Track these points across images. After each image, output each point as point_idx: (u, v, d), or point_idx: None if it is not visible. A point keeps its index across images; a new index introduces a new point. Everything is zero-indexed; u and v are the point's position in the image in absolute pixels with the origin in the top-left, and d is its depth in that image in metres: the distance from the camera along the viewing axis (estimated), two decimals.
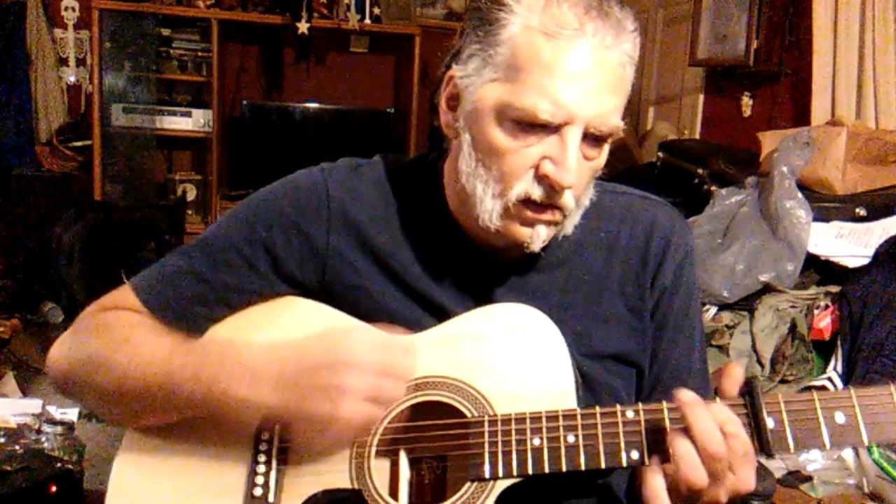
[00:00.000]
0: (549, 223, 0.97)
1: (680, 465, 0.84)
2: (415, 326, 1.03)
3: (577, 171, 0.93)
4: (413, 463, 0.98)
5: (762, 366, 2.33)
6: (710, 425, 0.83)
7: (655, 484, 0.86)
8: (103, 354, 1.01)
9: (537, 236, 0.97)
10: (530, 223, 0.96)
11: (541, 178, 0.93)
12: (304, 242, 1.06)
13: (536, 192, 0.93)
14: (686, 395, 0.86)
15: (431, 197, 1.08)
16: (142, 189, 4.53)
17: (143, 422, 1.04)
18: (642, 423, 0.89)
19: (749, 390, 0.87)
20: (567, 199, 0.94)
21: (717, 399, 0.88)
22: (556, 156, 0.92)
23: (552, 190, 0.93)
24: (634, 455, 0.88)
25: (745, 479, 0.85)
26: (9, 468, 1.98)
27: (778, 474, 2.00)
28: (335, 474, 0.97)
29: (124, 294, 1.08)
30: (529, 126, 0.91)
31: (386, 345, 0.92)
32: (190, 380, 0.95)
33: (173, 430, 1.02)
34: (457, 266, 1.06)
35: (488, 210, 0.95)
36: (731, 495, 0.85)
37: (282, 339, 1.01)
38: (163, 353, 0.98)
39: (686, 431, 0.84)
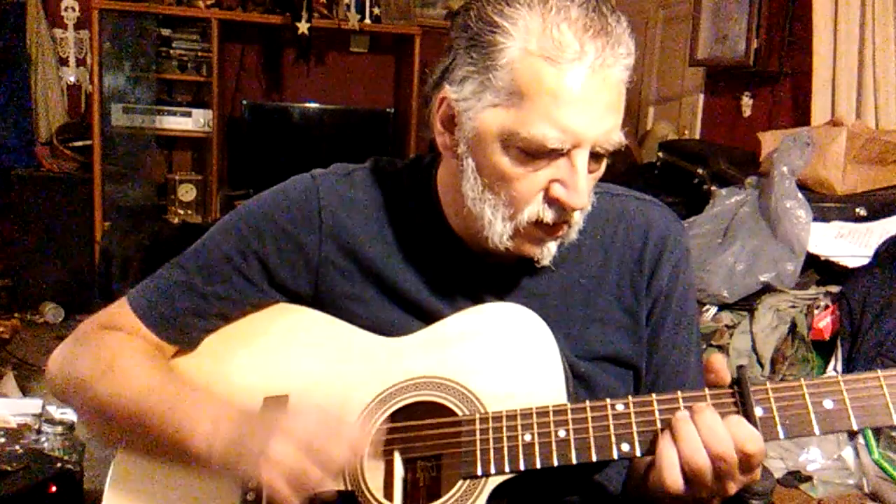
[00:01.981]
0: (556, 237, 0.98)
1: (685, 464, 0.85)
2: (407, 332, 1.03)
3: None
4: (407, 463, 0.99)
5: (762, 366, 2.33)
6: (724, 440, 0.84)
7: (667, 451, 0.86)
8: (88, 381, 1.02)
9: (548, 252, 0.99)
10: (539, 241, 0.97)
11: (551, 202, 0.93)
12: (297, 252, 1.06)
13: (548, 215, 0.94)
14: (697, 407, 0.87)
15: (425, 202, 1.08)
16: (142, 189, 4.53)
17: (126, 449, 1.05)
18: (632, 415, 0.90)
19: (738, 380, 0.88)
20: (577, 216, 0.96)
21: (707, 390, 0.89)
22: (567, 179, 0.92)
23: (563, 210, 0.94)
24: (625, 447, 0.89)
25: (754, 477, 0.87)
26: (9, 468, 1.97)
27: (778, 474, 2.00)
28: None
29: (121, 308, 1.08)
30: (537, 153, 0.91)
31: (329, 430, 0.88)
32: (159, 422, 0.95)
33: None
34: (451, 271, 1.06)
35: (499, 233, 0.96)
36: (742, 486, 0.87)
37: (277, 352, 1.04)
38: (140, 390, 0.98)
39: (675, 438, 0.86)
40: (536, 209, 0.94)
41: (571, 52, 0.87)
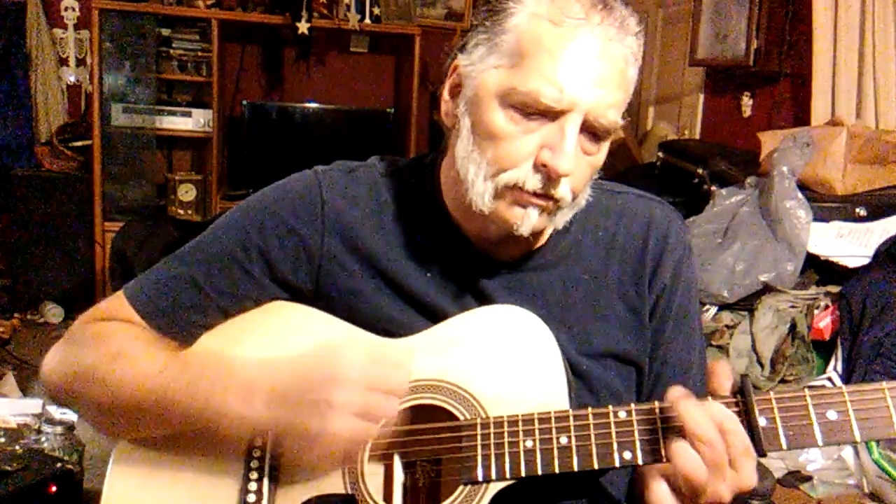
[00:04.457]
0: (541, 209, 0.96)
1: (676, 461, 0.84)
2: (409, 330, 1.03)
3: (576, 162, 0.92)
4: (407, 467, 0.98)
5: (762, 366, 2.33)
6: (703, 418, 0.84)
7: (659, 489, 0.86)
8: (97, 367, 1.00)
9: (528, 219, 0.95)
10: (522, 204, 0.95)
11: (538, 168, 0.93)
12: (298, 246, 1.06)
13: (532, 182, 0.93)
14: (677, 392, 0.87)
15: (428, 198, 1.07)
16: (142, 189, 4.53)
17: (137, 434, 1.03)
18: (634, 423, 0.89)
19: (741, 389, 0.87)
20: (563, 190, 0.94)
21: (710, 399, 0.88)
22: (555, 142, 0.92)
23: (549, 180, 0.93)
24: (627, 455, 0.89)
25: (747, 475, 0.84)
26: (9, 468, 1.97)
27: (778, 474, 2.00)
28: (328, 480, 0.97)
29: (118, 302, 1.07)
30: (530, 112, 0.92)
31: (379, 359, 0.91)
32: (185, 395, 0.95)
33: (166, 441, 1.02)
34: (454, 267, 1.06)
35: (480, 192, 0.95)
36: (735, 491, 0.85)
37: (275, 350, 1.01)
38: (157, 367, 0.97)
39: (680, 428, 0.85)
40: (520, 174, 0.93)
41: (575, 18, 0.90)
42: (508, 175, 0.93)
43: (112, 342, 1.01)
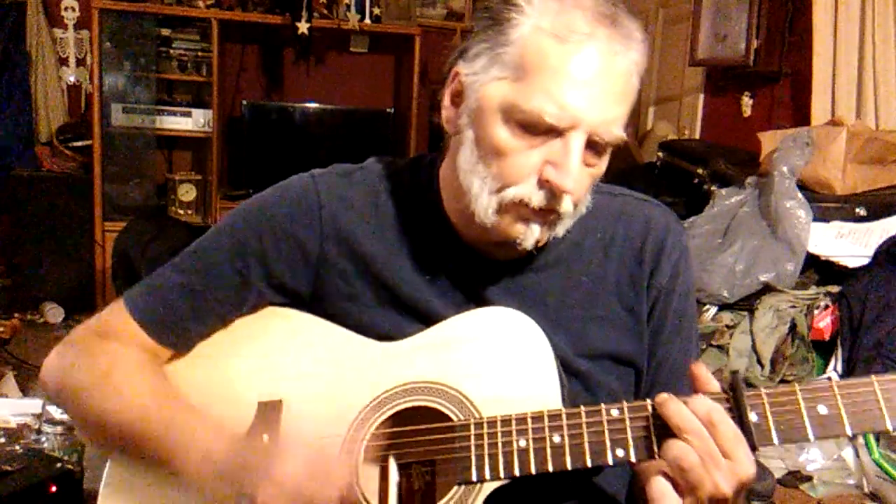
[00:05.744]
0: (543, 223, 0.96)
1: (668, 455, 0.84)
2: (406, 333, 1.03)
3: (578, 176, 0.92)
4: (402, 468, 0.98)
5: (762, 366, 2.33)
6: (688, 411, 0.84)
7: (659, 485, 0.85)
8: (83, 390, 1.02)
9: (531, 234, 0.96)
10: (525, 219, 0.95)
11: (542, 184, 0.93)
12: (296, 251, 1.06)
13: (536, 198, 0.93)
14: (659, 397, 0.87)
15: (426, 200, 1.07)
16: (142, 189, 4.53)
17: (119, 456, 1.05)
18: (627, 420, 0.89)
19: (732, 385, 0.87)
20: (566, 204, 0.94)
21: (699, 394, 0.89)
22: (559, 160, 0.91)
23: (552, 196, 0.93)
24: (620, 453, 0.89)
25: (743, 463, 0.84)
26: (9, 468, 1.97)
27: (778, 474, 2.01)
28: None
29: (118, 311, 1.07)
30: (534, 128, 0.91)
31: (314, 476, 0.88)
32: (151, 446, 0.96)
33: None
34: (451, 269, 1.05)
35: (483, 206, 0.95)
36: (736, 485, 0.84)
37: (270, 358, 1.04)
38: (134, 412, 0.98)
39: (669, 428, 0.85)
40: (525, 190, 0.93)
41: (580, 34, 0.89)
42: (514, 191, 0.93)
43: (100, 370, 1.02)
